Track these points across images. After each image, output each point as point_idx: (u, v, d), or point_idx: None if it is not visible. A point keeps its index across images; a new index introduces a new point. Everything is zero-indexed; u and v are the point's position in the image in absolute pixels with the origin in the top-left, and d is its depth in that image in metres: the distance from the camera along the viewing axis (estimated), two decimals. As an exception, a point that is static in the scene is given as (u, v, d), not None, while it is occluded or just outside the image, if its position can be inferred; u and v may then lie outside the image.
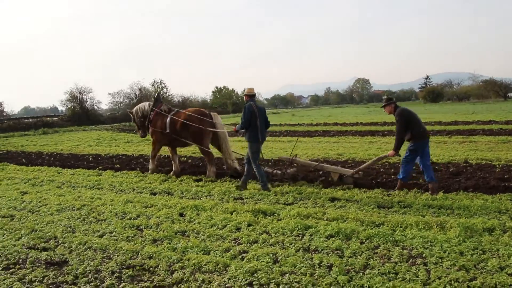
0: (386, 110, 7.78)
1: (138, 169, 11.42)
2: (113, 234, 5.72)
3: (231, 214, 6.51)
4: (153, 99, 11.19)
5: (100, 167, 11.95)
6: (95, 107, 51.22)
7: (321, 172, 9.43)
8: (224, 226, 5.93)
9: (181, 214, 6.65)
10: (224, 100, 71.95)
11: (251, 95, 8.30)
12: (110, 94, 55.92)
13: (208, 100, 73.98)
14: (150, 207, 7.19)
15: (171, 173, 10.47)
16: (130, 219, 6.47)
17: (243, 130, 8.17)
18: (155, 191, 8.56)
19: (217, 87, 75.81)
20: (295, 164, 9.27)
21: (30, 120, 43.60)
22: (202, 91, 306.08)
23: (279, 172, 9.18)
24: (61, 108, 66.65)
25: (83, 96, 48.82)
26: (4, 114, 64.13)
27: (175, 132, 10.08)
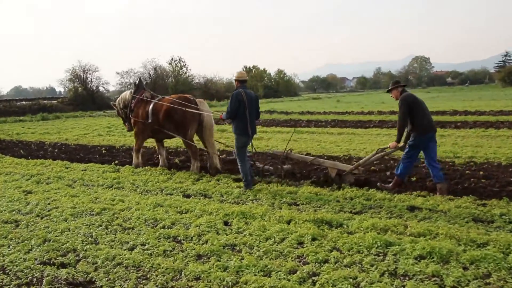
0: (393, 95, 8.07)
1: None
2: (146, 247, 5.56)
3: (288, 224, 6.28)
4: (134, 85, 11.55)
5: (116, 162, 11.92)
6: (102, 89, 51.81)
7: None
8: (282, 240, 5.70)
9: (226, 223, 6.46)
10: (254, 82, 71.82)
11: (241, 80, 8.49)
12: (118, 73, 56.51)
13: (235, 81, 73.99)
14: (185, 212, 7.03)
15: (159, 167, 10.98)
16: (163, 227, 6.32)
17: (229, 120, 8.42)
18: (188, 192, 8.42)
19: (245, 67, 75.71)
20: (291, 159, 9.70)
21: (24, 102, 44.37)
22: (228, 72, 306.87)
23: (271, 168, 9.50)
24: (60, 89, 67.76)
25: (88, 76, 49.49)
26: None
27: (158, 123, 10.43)
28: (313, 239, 5.64)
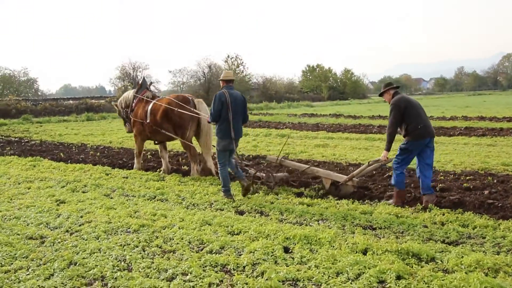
0: (386, 99, 8.05)
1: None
2: (188, 278, 4.95)
3: (364, 254, 5.51)
4: (137, 84, 12.10)
5: (161, 169, 11.52)
6: (153, 88, 52.62)
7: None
8: (357, 276, 4.94)
9: (286, 249, 5.78)
10: (318, 82, 70.92)
11: (227, 80, 8.60)
12: (170, 72, 57.23)
13: (297, 82, 73.41)
14: (237, 234, 6.40)
15: (161, 172, 11.33)
16: (210, 252, 5.71)
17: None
18: (241, 208, 7.82)
19: (308, 66, 74.89)
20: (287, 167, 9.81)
21: (71, 101, 45.46)
22: (289, 72, 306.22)
23: (263, 174, 9.52)
24: (109, 88, 69.58)
25: (138, 74, 50.27)
26: (39, 93, 68.19)
27: (156, 123, 10.85)
28: (398, 277, 4.85)
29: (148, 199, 8.65)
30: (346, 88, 71.27)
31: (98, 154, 14.93)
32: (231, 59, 59.77)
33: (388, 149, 7.87)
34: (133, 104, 11.67)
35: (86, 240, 6.30)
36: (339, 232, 6.30)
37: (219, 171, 8.65)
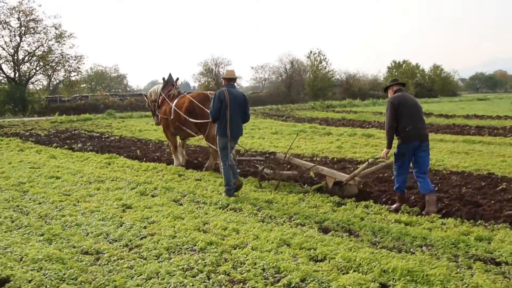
0: (389, 95, 7.91)
1: (297, 181, 9.59)
2: (259, 324, 3.92)
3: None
4: (163, 80, 12.31)
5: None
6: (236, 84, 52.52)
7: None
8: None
9: (383, 287, 4.61)
10: (405, 79, 67.95)
11: (229, 79, 8.67)
12: (252, 68, 56.78)
13: (382, 79, 70.86)
14: (322, 260, 5.28)
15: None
16: (288, 286, 4.62)
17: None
18: (326, 224, 6.67)
19: (394, 62, 71.99)
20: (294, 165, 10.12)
21: (155, 97, 45.77)
22: (373, 68, 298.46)
23: (270, 171, 9.49)
24: (193, 83, 70.51)
25: (220, 70, 50.11)
26: (127, 89, 69.96)
27: (179, 120, 11.06)
28: None
29: (220, 208, 7.70)
30: (434, 85, 67.89)
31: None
32: (313, 54, 58.11)
33: (388, 146, 7.62)
34: (159, 100, 12.03)
35: (145, 259, 5.40)
36: (451, 267, 4.97)
37: (222, 169, 8.61)
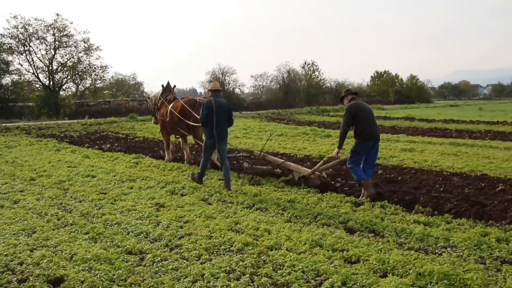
0: (344, 103, 8.11)
1: (338, 188, 8.62)
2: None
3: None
4: (161, 87, 12.73)
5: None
6: (239, 91, 51.84)
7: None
8: None
9: (422, 291, 4.14)
10: (385, 87, 67.50)
11: (214, 90, 8.99)
12: (252, 76, 56.21)
13: (365, 86, 70.37)
14: (356, 262, 4.78)
15: (184, 162, 11.83)
16: (330, 290, 4.16)
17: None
18: (350, 224, 6.15)
19: (377, 72, 71.45)
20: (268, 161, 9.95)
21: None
22: (358, 77, 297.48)
23: (247, 165, 9.87)
24: (200, 90, 69.98)
25: (226, 78, 49.53)
26: (144, 94, 69.42)
27: (173, 122, 11.46)
28: None
29: (247, 207, 7.21)
30: (411, 92, 67.41)
31: (194, 152, 13.71)
32: (307, 65, 57.63)
33: (339, 147, 8.03)
34: (159, 104, 12.48)
35: (187, 260, 4.91)
36: (481, 268, 4.49)
37: (201, 161, 9.02)
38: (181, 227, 6.12)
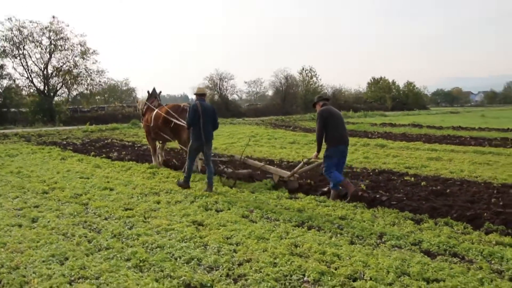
0: (316, 109, 8.43)
1: (385, 202, 7.80)
2: None
3: None
4: (147, 93, 12.99)
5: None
6: (236, 96, 51.12)
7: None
8: None
9: None
10: (382, 93, 67.14)
11: (200, 94, 9.28)
12: (246, 82, 55.62)
13: (362, 93, 70.01)
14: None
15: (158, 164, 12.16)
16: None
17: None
18: (425, 246, 5.45)
19: (373, 78, 71.16)
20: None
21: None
22: (354, 83, 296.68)
23: (229, 170, 9.81)
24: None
25: (224, 84, 48.81)
26: (136, 101, 68.70)
27: (158, 127, 11.59)
28: None
29: (297, 226, 6.46)
30: (408, 99, 67.19)
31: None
32: (305, 71, 57.08)
33: (318, 151, 8.27)
34: (144, 109, 12.66)
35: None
36: None
37: (186, 165, 9.20)
38: (234, 251, 5.37)
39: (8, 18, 34.35)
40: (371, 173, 10.60)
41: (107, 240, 5.79)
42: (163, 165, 12.29)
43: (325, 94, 10.26)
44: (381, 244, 5.60)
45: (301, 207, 7.40)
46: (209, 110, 9.02)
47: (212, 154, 11.94)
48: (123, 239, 5.90)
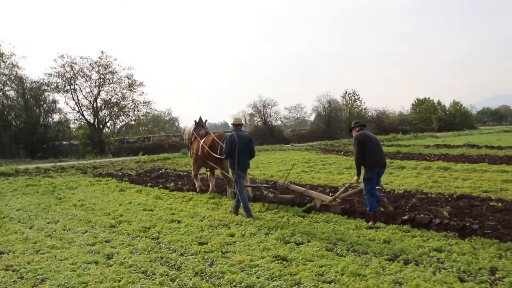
0: (353, 134, 8.70)
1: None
2: None
3: None
4: (194, 122, 13.41)
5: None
6: (280, 123, 50.88)
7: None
8: None
9: None
10: (427, 114, 65.45)
11: (236, 124, 9.57)
12: (286, 108, 55.34)
13: (406, 113, 68.56)
14: None
15: (209, 192, 12.30)
16: None
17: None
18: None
19: (417, 99, 69.59)
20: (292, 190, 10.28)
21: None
22: (398, 104, 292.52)
23: (271, 195, 10.17)
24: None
25: (267, 110, 48.70)
26: (179, 130, 69.52)
27: (204, 155, 11.98)
28: None
29: (390, 260, 5.97)
30: (455, 119, 65.26)
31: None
32: (348, 94, 56.29)
33: (358, 174, 8.40)
34: (192, 138, 13.11)
35: None
36: None
37: (238, 194, 9.19)
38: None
39: (61, 56, 35.70)
40: (449, 199, 9.89)
41: (191, 279, 5.46)
42: (214, 191, 12.38)
43: (360, 120, 11.33)
44: (497, 281, 5.02)
45: (387, 238, 6.88)
46: (245, 140, 9.27)
47: (254, 179, 12.98)
48: (207, 278, 5.57)
